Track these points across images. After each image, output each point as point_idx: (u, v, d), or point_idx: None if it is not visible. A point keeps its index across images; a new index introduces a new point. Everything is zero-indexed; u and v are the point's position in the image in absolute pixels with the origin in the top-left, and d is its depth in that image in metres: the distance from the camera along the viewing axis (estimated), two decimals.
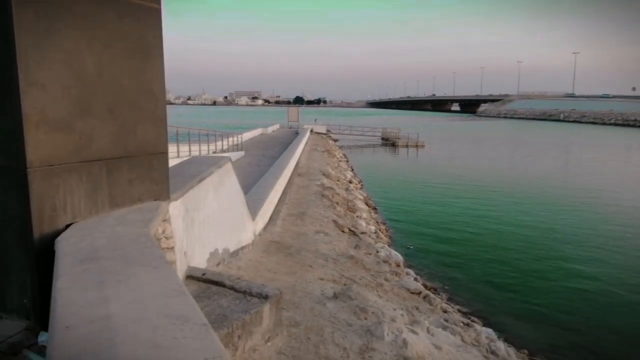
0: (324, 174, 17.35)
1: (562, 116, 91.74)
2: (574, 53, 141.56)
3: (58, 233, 2.91)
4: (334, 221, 10.58)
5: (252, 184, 10.96)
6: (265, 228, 8.56)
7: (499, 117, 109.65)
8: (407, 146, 39.50)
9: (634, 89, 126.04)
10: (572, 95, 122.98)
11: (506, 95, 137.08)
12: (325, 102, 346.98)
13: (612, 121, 79.31)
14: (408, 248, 11.81)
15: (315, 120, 52.77)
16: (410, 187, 21.14)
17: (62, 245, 2.68)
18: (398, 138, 41.59)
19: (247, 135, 29.24)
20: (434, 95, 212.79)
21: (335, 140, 41.57)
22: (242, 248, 6.79)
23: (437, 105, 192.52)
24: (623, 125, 75.39)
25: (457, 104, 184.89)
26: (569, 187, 21.34)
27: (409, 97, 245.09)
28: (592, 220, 15.01)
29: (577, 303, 8.78)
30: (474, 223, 14.66)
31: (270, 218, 9.37)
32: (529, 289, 9.44)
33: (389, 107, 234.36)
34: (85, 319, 1.81)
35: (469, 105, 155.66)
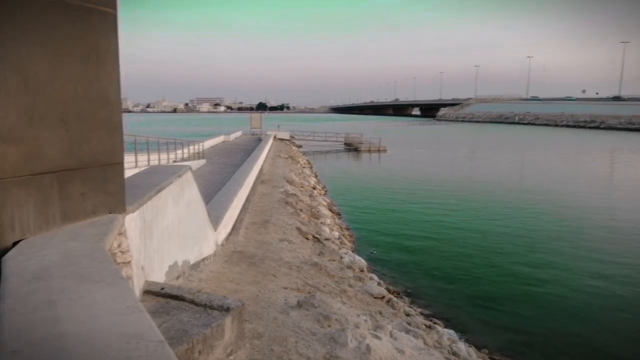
0: (287, 181, 17.31)
1: (517, 119, 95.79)
2: (528, 57, 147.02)
3: (5, 251, 2.78)
4: (298, 228, 10.58)
5: (214, 192, 10.80)
6: (227, 238, 8.46)
7: (457, 120, 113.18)
8: (369, 151, 40.12)
9: (583, 91, 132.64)
10: (536, 99, 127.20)
11: (466, 100, 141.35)
12: (288, 108, 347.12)
13: (564, 123, 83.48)
14: (372, 253, 11.96)
15: (279, 126, 52.81)
16: (373, 191, 21.44)
17: (10, 264, 2.57)
18: (361, 143, 42.17)
19: (209, 143, 28.90)
20: (397, 100, 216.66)
21: (299, 147, 41.76)
22: (204, 259, 6.68)
23: (399, 110, 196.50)
24: (574, 126, 79.52)
25: (417, 109, 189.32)
26: (523, 189, 22.25)
27: (371, 102, 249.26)
28: (547, 221, 15.70)
29: (534, 304, 9.14)
30: (435, 227, 15.04)
31: (233, 227, 9.27)
32: (489, 290, 9.75)
33: (352, 113, 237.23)
34: (33, 341, 1.75)
35: (429, 110, 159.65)
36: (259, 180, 16.38)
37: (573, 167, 30.91)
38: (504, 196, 19.94)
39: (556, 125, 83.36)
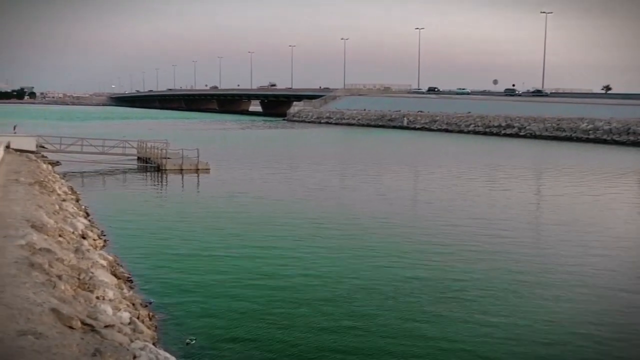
0: (33, 226, 16.65)
1: (405, 121, 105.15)
2: (417, 29, 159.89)
3: None
4: (55, 310, 10.21)
5: None
6: None
7: (320, 122, 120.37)
8: (181, 171, 40.67)
9: (495, 82, 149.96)
10: (433, 91, 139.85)
11: (327, 90, 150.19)
12: (33, 94, 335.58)
13: (472, 127, 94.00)
14: (188, 343, 12.01)
15: (15, 128, 50.96)
16: (187, 238, 21.63)
17: None
18: (166, 158, 42.02)
19: None
20: (256, 87, 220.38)
21: (55, 164, 40.90)
22: None
23: (227, 104, 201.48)
24: (485, 133, 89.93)
25: (257, 102, 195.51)
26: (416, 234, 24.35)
27: (181, 88, 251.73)
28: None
29: None
30: (289, 281, 16.14)
31: None
32: None
33: (149, 105, 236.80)
34: None
35: (276, 105, 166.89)
36: None
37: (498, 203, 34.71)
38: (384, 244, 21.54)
39: (460, 131, 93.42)
